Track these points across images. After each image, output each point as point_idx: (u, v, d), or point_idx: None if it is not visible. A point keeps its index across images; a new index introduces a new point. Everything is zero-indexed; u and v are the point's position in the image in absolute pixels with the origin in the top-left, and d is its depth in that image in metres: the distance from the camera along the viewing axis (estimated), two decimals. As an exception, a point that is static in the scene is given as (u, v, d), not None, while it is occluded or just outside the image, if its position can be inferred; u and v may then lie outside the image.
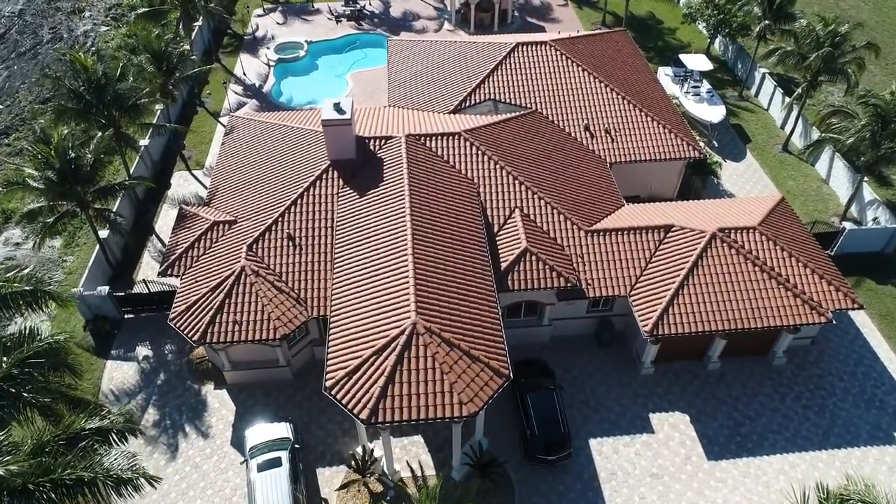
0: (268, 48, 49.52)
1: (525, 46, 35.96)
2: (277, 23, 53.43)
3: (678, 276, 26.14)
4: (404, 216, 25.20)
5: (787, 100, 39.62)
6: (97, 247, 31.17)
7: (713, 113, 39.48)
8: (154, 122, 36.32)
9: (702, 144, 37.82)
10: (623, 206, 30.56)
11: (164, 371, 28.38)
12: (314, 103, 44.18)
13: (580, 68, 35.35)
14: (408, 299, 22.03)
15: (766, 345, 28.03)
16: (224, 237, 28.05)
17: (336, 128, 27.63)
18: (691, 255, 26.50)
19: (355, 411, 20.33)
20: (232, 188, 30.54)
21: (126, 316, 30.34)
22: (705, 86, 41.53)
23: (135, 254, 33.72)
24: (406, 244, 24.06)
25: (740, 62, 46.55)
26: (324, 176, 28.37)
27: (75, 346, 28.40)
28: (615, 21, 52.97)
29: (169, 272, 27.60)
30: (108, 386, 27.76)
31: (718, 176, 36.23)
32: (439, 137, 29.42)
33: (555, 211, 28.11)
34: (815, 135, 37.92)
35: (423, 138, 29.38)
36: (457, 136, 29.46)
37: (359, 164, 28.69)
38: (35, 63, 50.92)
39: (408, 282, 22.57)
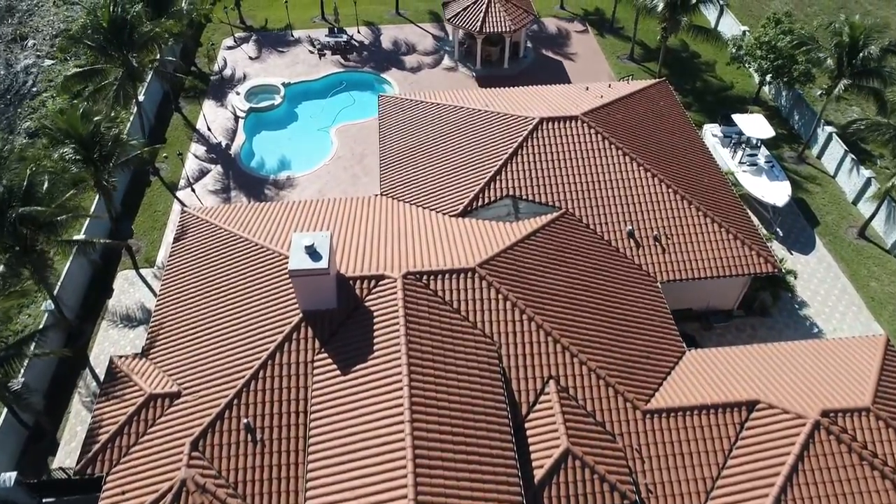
0: (237, 93, 41.88)
1: (551, 123, 28.68)
2: (250, 57, 45.65)
3: (771, 485, 19.42)
4: (402, 420, 18.32)
5: (870, 179, 32.69)
6: (5, 410, 24.23)
7: (777, 192, 32.31)
8: (82, 233, 29.11)
9: (761, 230, 30.94)
10: (684, 352, 23.76)
11: (89, 590, 21.72)
12: (291, 171, 36.90)
13: (620, 152, 28.16)
14: (409, 588, 15.30)
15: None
16: (163, 418, 21.13)
17: (309, 278, 20.59)
18: (787, 454, 19.72)
19: None
20: (176, 334, 23.51)
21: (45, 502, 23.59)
22: (763, 152, 34.33)
23: (62, 397, 26.77)
24: (405, 470, 17.25)
25: (798, 112, 39.28)
26: (294, 335, 21.36)
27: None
28: (644, 53, 45.40)
29: (89, 469, 20.71)
30: None
31: (794, 290, 29.25)
32: (447, 276, 22.33)
33: (601, 381, 21.26)
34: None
35: (425, 277, 22.32)
36: (470, 274, 22.40)
37: (341, 317, 21.68)
38: (-36, 110, 43.29)
39: (409, 554, 15.82)
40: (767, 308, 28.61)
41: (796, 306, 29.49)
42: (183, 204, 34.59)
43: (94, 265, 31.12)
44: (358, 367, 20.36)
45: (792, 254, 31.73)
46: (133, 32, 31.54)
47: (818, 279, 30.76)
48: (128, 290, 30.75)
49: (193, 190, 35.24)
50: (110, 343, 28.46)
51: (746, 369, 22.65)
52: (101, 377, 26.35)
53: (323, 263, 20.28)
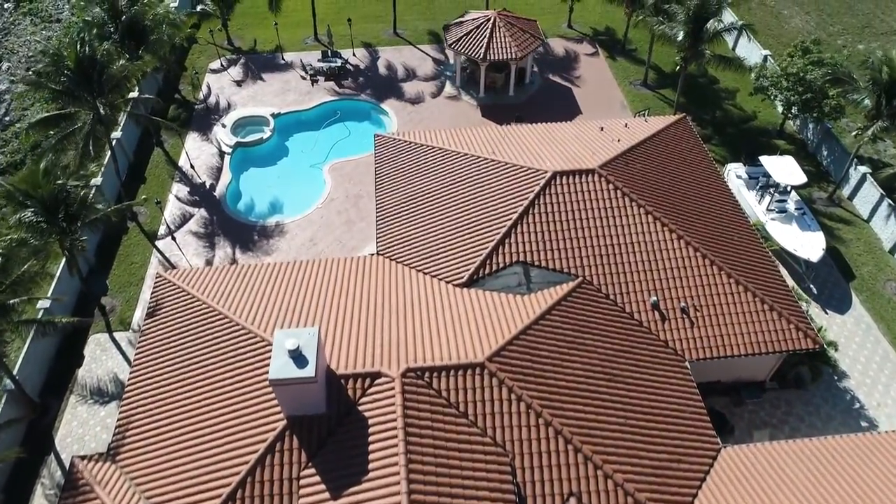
0: (223, 126, 38.97)
1: (565, 178, 25.92)
2: (237, 83, 42.70)
3: None
4: (402, 569, 15.70)
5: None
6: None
7: (810, 245, 29.55)
8: (50, 292, 26.37)
9: (796, 290, 28.20)
10: (718, 450, 21.07)
11: None
12: (281, 215, 34.11)
13: (642, 210, 25.41)
14: None
15: None
16: (128, 542, 18.50)
17: (293, 387, 17.86)
18: (847, 591, 17.17)
19: None
20: (146, 434, 20.79)
21: None
22: (793, 197, 31.57)
23: (24, 488, 24.08)
24: None
25: (826, 147, 36.47)
26: (277, 446, 18.67)
27: None
28: (659, 79, 42.54)
29: None
30: None
31: (836, 365, 26.55)
32: (452, 373, 19.61)
33: (630, 499, 18.58)
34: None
35: (426, 374, 19.59)
36: (478, 370, 19.68)
37: (332, 423, 18.96)
38: (-69, 142, 40.36)
39: None
40: (804, 381, 25.95)
41: (835, 377, 26.82)
42: (162, 254, 31.88)
43: (63, 329, 28.30)
44: (351, 488, 17.66)
45: (827, 313, 29.04)
46: (104, 73, 28.70)
47: (857, 343, 28.06)
48: (100, 356, 28.00)
49: (174, 238, 32.43)
50: (79, 423, 25.75)
51: (791, 474, 19.99)
52: (67, 463, 23.99)
53: (309, 370, 17.54)
